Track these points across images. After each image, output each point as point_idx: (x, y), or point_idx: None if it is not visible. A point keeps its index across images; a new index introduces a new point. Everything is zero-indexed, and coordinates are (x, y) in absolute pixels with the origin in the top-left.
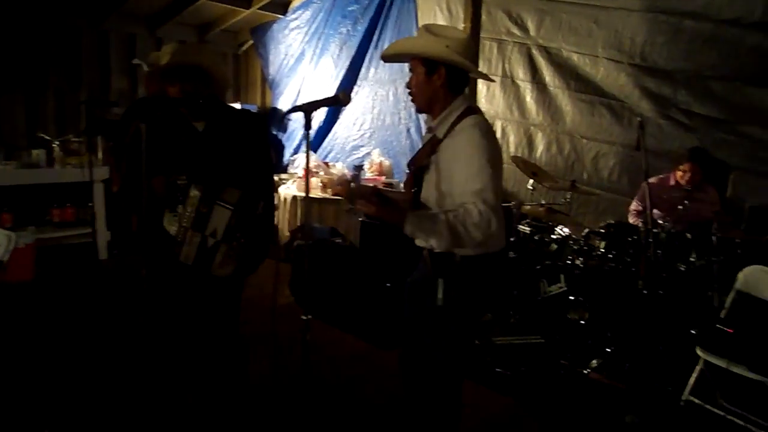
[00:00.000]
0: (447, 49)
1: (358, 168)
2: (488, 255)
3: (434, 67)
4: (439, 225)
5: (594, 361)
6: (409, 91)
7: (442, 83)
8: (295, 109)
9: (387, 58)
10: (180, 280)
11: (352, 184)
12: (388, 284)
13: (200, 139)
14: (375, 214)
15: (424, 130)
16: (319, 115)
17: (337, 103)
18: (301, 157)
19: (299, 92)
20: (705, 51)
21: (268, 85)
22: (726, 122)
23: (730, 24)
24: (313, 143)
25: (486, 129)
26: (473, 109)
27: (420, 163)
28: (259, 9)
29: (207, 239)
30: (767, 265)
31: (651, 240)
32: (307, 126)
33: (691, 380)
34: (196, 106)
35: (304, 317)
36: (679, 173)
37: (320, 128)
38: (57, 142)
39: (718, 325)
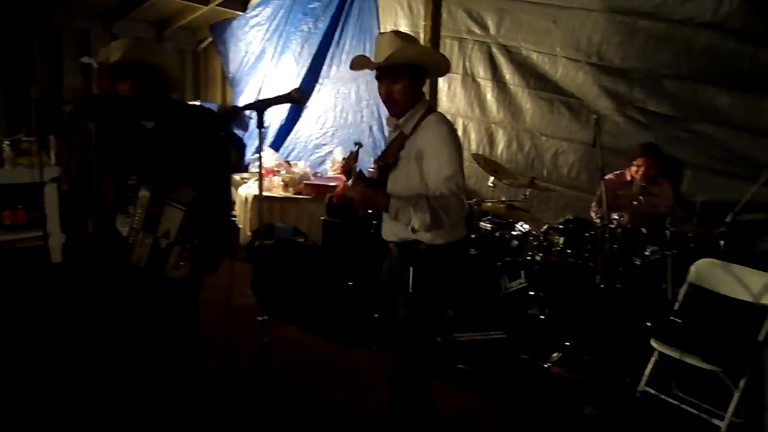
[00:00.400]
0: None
1: (358, 144)
2: (455, 243)
3: (420, 73)
4: (420, 205)
5: (554, 355)
6: (387, 99)
7: (422, 87)
8: (247, 107)
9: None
10: (133, 282)
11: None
12: (351, 283)
13: (150, 137)
14: (363, 198)
15: (386, 129)
16: (281, 114)
17: (290, 100)
18: (262, 156)
19: (260, 90)
20: (659, 50)
21: (228, 83)
22: (679, 119)
23: (682, 24)
24: (275, 142)
25: (450, 124)
26: (433, 108)
27: (387, 160)
28: (217, 5)
29: (160, 241)
30: (718, 258)
31: (607, 235)
32: (260, 124)
33: (647, 371)
34: (146, 104)
35: (260, 318)
36: (633, 168)
37: (282, 126)
38: (7, 142)
39: (671, 317)
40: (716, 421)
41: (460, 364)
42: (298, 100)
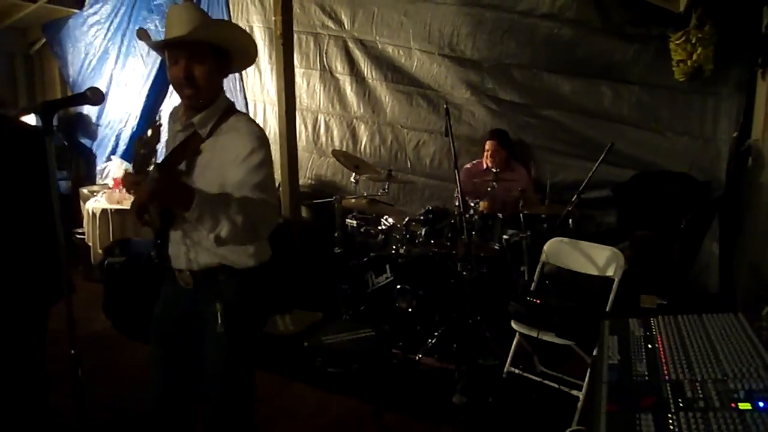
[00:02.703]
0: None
1: (155, 126)
2: (265, 265)
3: (225, 60)
4: (233, 206)
5: (429, 341)
6: (187, 84)
7: (224, 77)
8: (30, 109)
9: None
10: None
11: (142, 150)
12: None
13: None
14: (164, 188)
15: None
16: (132, 119)
17: (86, 101)
18: (111, 166)
19: (107, 94)
20: (505, 40)
21: (68, 88)
22: (527, 106)
23: (523, 15)
24: (128, 150)
25: (262, 129)
26: (233, 106)
27: (176, 167)
28: (48, 3)
29: None
30: (569, 236)
31: (464, 223)
32: (48, 130)
33: (511, 352)
34: None
35: (73, 352)
36: (485, 154)
37: (134, 133)
38: None
39: (529, 298)
40: (575, 392)
41: (330, 367)
42: (95, 100)
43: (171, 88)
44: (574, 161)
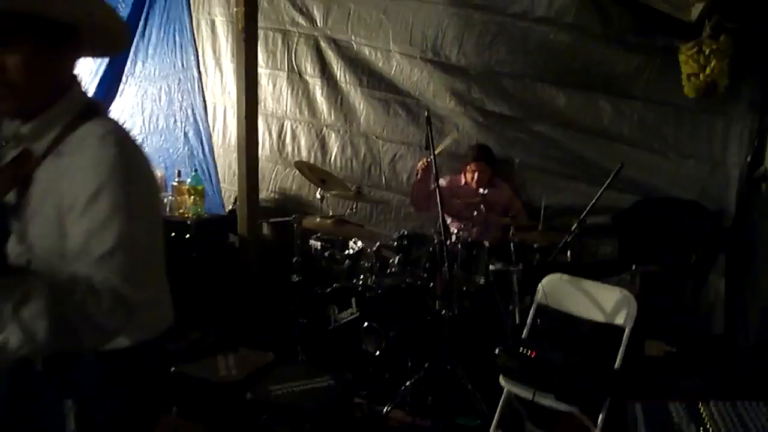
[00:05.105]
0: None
1: None
2: (150, 343)
3: (61, 33)
4: (31, 305)
5: (399, 392)
6: None
7: (71, 64)
8: None
9: None
10: None
11: None
12: None
13: None
14: None
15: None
16: None
17: None
18: None
19: None
20: (495, 46)
21: None
22: (518, 120)
23: (517, 18)
24: None
25: (129, 144)
26: (97, 108)
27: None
28: None
29: None
30: (565, 270)
31: (445, 252)
32: None
33: (498, 412)
34: None
35: None
36: (468, 175)
37: None
38: None
39: (521, 349)
40: None
41: (279, 426)
42: None
43: (122, 85)
44: (568, 183)
